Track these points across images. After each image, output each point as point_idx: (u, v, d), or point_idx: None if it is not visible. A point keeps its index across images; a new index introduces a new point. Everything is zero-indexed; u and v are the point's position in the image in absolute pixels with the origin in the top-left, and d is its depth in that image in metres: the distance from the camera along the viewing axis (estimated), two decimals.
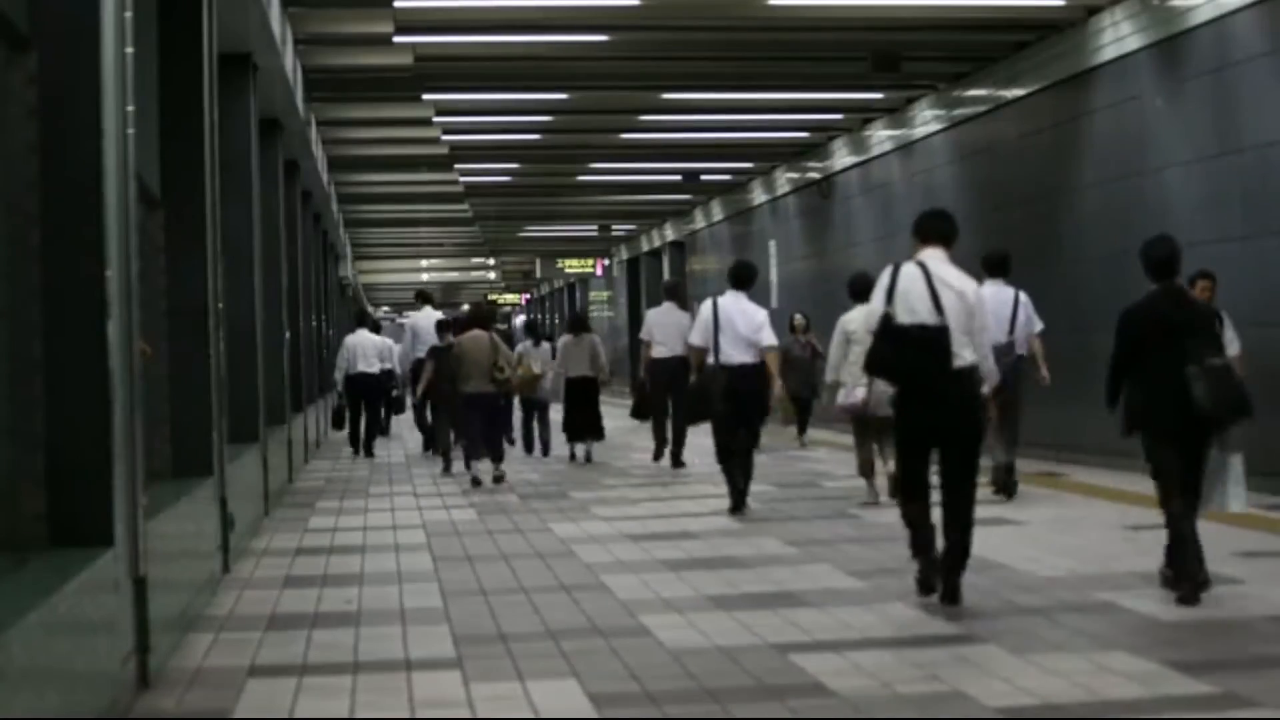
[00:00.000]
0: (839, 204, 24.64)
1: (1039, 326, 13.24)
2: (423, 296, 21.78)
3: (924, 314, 8.25)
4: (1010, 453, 12.88)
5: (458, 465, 17.40)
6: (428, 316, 20.45)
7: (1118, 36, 15.19)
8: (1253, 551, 9.78)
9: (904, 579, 9.06)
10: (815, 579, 9.20)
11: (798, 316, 21.39)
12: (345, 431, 22.13)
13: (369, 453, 21.24)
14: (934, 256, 8.46)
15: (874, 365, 8.55)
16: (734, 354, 12.51)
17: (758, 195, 29.38)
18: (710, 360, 12.59)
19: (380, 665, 7.15)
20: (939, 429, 8.32)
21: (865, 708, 6.05)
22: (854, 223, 23.96)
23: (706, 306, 12.80)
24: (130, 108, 6.83)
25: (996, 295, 12.23)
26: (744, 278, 12.96)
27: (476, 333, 16.42)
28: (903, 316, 8.28)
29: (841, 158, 24.13)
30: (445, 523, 12.91)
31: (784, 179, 27.55)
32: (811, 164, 25.71)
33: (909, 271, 8.37)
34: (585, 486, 15.69)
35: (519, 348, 19.79)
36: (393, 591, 9.32)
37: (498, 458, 16.19)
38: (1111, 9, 15.22)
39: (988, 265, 12.80)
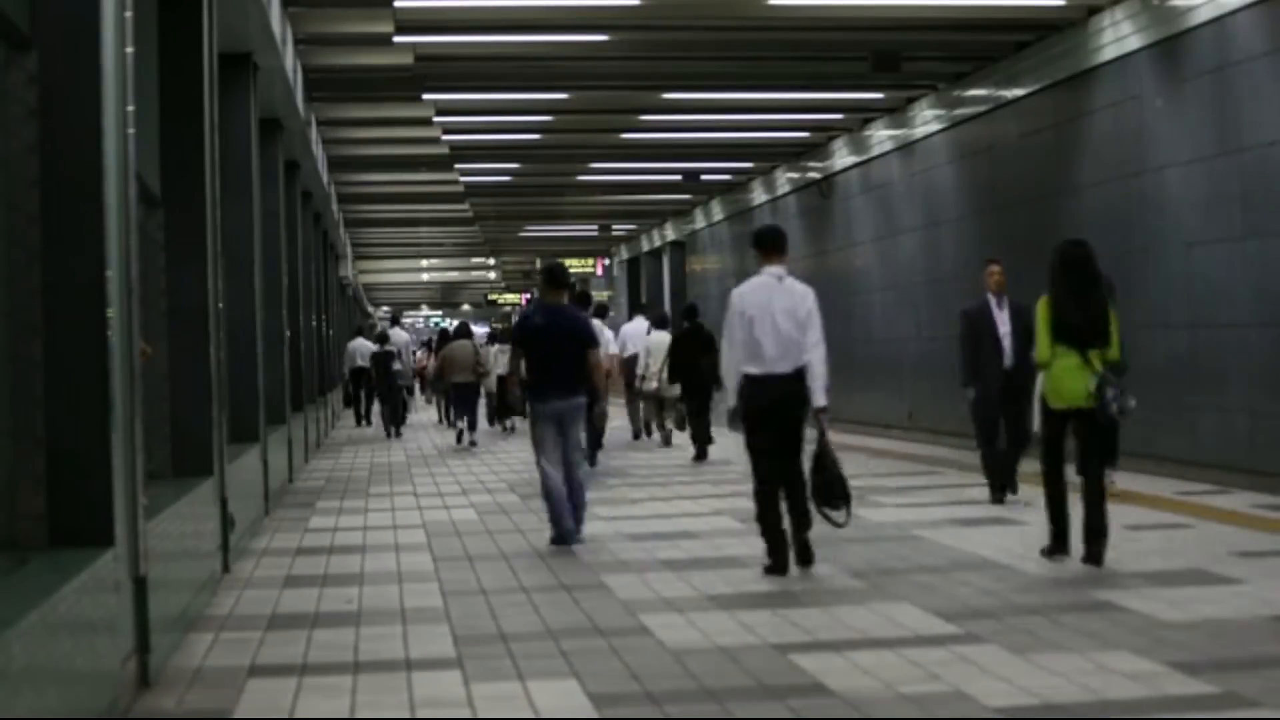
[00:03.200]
0: (839, 204, 24.64)
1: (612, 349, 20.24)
2: (394, 320, 33.76)
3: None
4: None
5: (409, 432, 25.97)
6: (397, 334, 29.53)
7: (1118, 36, 15.19)
8: (1253, 551, 9.78)
9: (905, 579, 9.07)
10: (815, 579, 9.20)
11: None
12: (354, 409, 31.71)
13: (369, 421, 30.32)
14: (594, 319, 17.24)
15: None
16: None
17: (758, 195, 29.39)
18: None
19: (380, 665, 7.15)
20: None
21: (865, 708, 6.05)
22: (854, 223, 23.97)
23: None
24: (130, 108, 6.83)
25: (636, 326, 22.19)
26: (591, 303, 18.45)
27: (461, 341, 24.28)
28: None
29: (841, 158, 24.13)
30: (445, 523, 12.92)
31: (784, 179, 27.56)
32: (811, 164, 25.72)
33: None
34: (585, 487, 15.67)
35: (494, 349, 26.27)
36: (393, 591, 9.32)
37: (472, 427, 23.32)
38: (1111, 9, 15.22)
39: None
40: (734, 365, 9.44)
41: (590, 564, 10.14)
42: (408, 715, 6.20)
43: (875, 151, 22.63)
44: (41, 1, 6.27)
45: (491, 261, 50.69)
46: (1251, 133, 13.17)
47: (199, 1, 10.40)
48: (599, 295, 50.60)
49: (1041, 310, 9.57)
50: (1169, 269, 14.30)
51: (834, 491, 9.35)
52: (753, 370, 9.35)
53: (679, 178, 28.73)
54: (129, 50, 6.82)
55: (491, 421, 27.47)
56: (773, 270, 9.56)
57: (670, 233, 38.10)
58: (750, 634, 7.57)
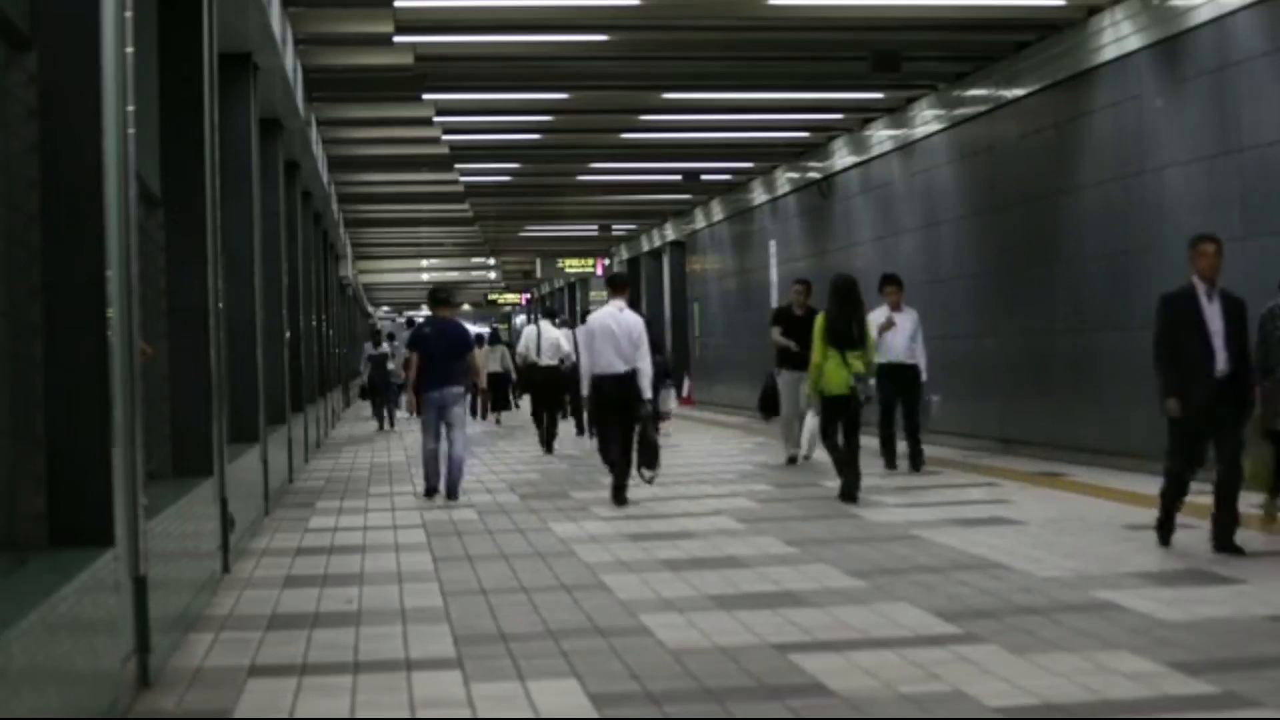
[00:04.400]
0: (839, 204, 24.64)
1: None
2: (410, 322, 39.44)
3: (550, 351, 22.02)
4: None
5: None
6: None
7: (1118, 36, 15.19)
8: (1253, 551, 9.78)
9: (905, 579, 9.07)
10: (815, 579, 9.21)
11: None
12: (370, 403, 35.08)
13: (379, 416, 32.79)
14: (546, 324, 22.33)
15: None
16: (548, 357, 22.25)
17: (758, 195, 29.39)
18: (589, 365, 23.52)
19: (380, 665, 7.15)
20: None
21: (865, 708, 6.05)
22: (854, 222, 23.96)
23: (531, 330, 22.54)
24: (130, 108, 6.83)
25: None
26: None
27: None
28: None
29: (841, 158, 24.13)
30: (445, 522, 12.92)
31: (784, 179, 27.55)
32: (811, 164, 25.72)
33: (531, 330, 22.03)
34: (585, 486, 15.71)
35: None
36: (393, 591, 9.33)
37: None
38: (1111, 9, 15.22)
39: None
40: (588, 368, 13.86)
41: (590, 564, 10.15)
42: (408, 715, 6.20)
43: (875, 151, 22.62)
44: (41, 1, 6.27)
45: (491, 261, 50.68)
46: (1251, 133, 13.17)
47: (199, 1, 10.40)
48: (598, 295, 50.87)
49: (818, 324, 13.52)
50: (1169, 269, 14.29)
51: (649, 458, 13.81)
52: (599, 372, 13.64)
53: (679, 178, 28.71)
54: (129, 50, 6.82)
55: (484, 415, 31.44)
56: (616, 303, 14.10)
57: (670, 233, 38.10)
58: (750, 634, 7.57)
